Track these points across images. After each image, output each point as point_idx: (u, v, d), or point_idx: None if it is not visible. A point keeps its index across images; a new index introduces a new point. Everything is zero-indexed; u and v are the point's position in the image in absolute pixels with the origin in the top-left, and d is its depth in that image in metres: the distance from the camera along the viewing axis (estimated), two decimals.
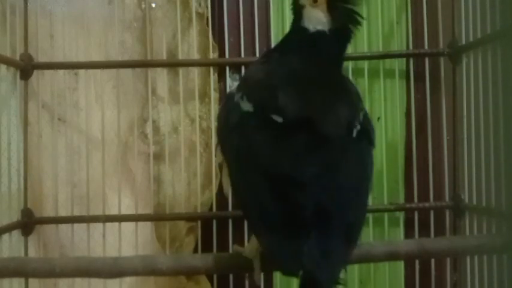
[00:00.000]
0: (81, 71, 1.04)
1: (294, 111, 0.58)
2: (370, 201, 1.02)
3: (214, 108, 1.03)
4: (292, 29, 0.72)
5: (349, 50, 1.04)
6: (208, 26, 1.05)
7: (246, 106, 0.61)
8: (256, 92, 0.63)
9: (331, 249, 0.53)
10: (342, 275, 0.55)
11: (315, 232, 0.53)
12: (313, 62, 0.67)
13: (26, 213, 0.98)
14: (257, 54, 1.04)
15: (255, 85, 0.65)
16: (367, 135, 0.63)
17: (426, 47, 1.03)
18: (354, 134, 0.60)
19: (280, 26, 1.07)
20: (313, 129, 0.58)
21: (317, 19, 0.68)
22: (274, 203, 0.55)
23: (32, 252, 0.99)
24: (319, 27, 0.68)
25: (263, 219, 0.56)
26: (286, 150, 0.57)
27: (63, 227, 1.00)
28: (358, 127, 0.61)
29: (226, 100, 0.68)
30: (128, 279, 0.97)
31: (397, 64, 1.05)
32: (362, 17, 0.69)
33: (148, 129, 1.04)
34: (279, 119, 0.58)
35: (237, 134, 0.61)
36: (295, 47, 0.69)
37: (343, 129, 0.60)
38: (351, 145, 0.59)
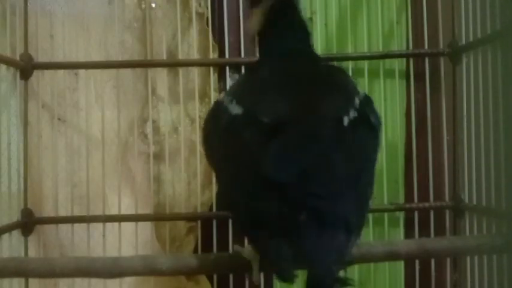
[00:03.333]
0: (81, 71, 1.04)
1: (280, 110, 0.59)
2: (370, 202, 1.01)
3: None
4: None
5: (349, 50, 1.05)
6: (208, 26, 1.05)
7: (235, 109, 0.62)
8: (244, 95, 0.64)
9: (330, 246, 0.52)
10: (343, 274, 0.55)
11: (311, 230, 0.53)
12: (296, 59, 0.69)
13: (26, 213, 0.98)
14: (257, 54, 1.03)
15: (242, 90, 0.66)
16: (365, 120, 0.61)
17: (426, 47, 1.03)
18: (346, 123, 0.59)
19: None
20: (300, 126, 0.58)
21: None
22: (263, 204, 0.55)
23: (32, 252, 0.99)
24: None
25: (254, 222, 0.56)
26: (272, 149, 0.56)
27: (63, 227, 1.00)
28: (353, 114, 0.60)
29: (213, 107, 0.69)
30: (127, 279, 0.97)
31: (397, 64, 1.05)
32: None
33: (148, 129, 1.04)
34: (266, 119, 0.58)
35: (226, 136, 0.61)
36: (278, 51, 0.70)
37: (332, 121, 0.59)
38: (342, 135, 0.58)
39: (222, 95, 0.69)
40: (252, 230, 0.57)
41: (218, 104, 0.67)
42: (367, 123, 0.62)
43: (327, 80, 0.66)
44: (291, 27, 0.71)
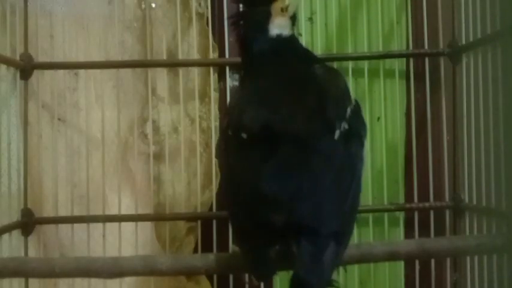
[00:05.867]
0: (81, 71, 1.04)
1: (259, 126, 0.60)
2: (370, 201, 1.02)
3: (214, 108, 1.03)
4: (257, 38, 0.72)
5: (349, 50, 1.05)
6: (208, 26, 1.04)
7: (229, 130, 0.65)
8: (232, 115, 0.66)
9: (320, 256, 0.54)
10: (335, 276, 0.56)
11: (296, 240, 0.54)
12: (288, 67, 0.70)
13: (26, 213, 0.98)
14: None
15: (232, 110, 0.68)
16: (355, 132, 0.62)
17: (426, 47, 1.03)
18: (336, 136, 0.60)
19: None
20: (280, 140, 0.59)
21: (284, 26, 0.72)
22: (247, 217, 0.58)
23: (32, 252, 0.99)
24: (285, 32, 0.72)
25: (240, 231, 0.60)
26: (252, 165, 0.59)
27: (63, 227, 1.00)
28: (344, 126, 0.61)
29: (221, 129, 0.75)
30: (127, 279, 0.97)
31: (397, 64, 1.05)
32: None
33: (148, 129, 1.04)
34: (245, 136, 0.61)
35: (225, 157, 0.66)
36: (267, 56, 0.70)
37: (323, 135, 0.60)
38: (332, 149, 0.59)
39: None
40: (241, 238, 0.61)
41: (223, 125, 0.70)
42: (357, 136, 0.63)
43: (320, 87, 0.66)
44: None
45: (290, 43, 0.72)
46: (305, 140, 0.59)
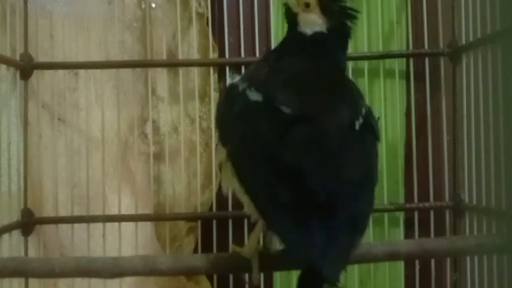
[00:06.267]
0: (81, 71, 1.04)
1: (301, 104, 0.60)
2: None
3: (214, 108, 1.03)
4: (290, 35, 0.73)
5: (349, 50, 1.04)
6: (208, 26, 1.04)
7: (254, 96, 0.62)
8: (264, 84, 0.64)
9: (337, 240, 0.53)
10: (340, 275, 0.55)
11: (322, 222, 0.54)
12: (315, 63, 0.69)
13: (26, 213, 0.98)
14: (257, 54, 1.04)
15: (262, 78, 0.66)
16: (370, 129, 0.64)
17: (426, 47, 1.03)
18: (357, 127, 0.61)
19: (280, 26, 1.07)
20: (318, 122, 0.59)
21: (313, 22, 0.70)
22: (282, 189, 0.56)
23: (32, 252, 0.99)
24: (317, 29, 0.70)
25: (272, 204, 0.57)
26: (294, 139, 0.58)
27: (63, 227, 1.00)
28: (361, 121, 0.62)
29: (229, 90, 0.69)
30: (127, 279, 0.97)
31: (397, 64, 1.05)
32: (357, 11, 0.71)
33: (148, 129, 1.04)
34: (287, 110, 0.59)
35: (244, 121, 0.62)
36: (296, 49, 0.70)
37: (345, 124, 0.61)
38: (354, 138, 0.60)
39: (237, 79, 0.70)
40: (268, 210, 0.58)
41: (233, 87, 0.67)
42: (372, 132, 0.64)
43: (341, 86, 0.68)
44: None
45: (318, 41, 0.70)
46: (339, 129, 0.59)
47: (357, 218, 0.56)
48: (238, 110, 0.63)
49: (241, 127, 0.62)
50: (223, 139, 0.65)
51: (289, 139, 0.58)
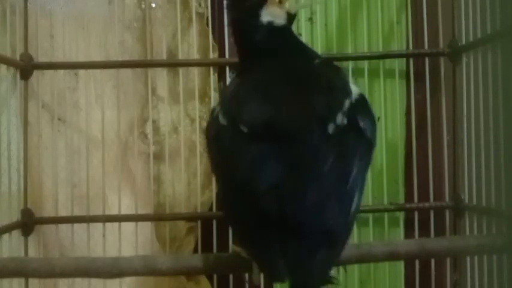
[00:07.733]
0: (81, 71, 1.04)
1: (259, 119, 0.59)
2: (370, 201, 1.02)
3: None
4: (253, 33, 0.71)
5: (349, 50, 1.05)
6: (208, 26, 1.05)
7: (222, 120, 0.64)
8: (229, 106, 0.65)
9: (310, 254, 0.53)
10: (334, 273, 0.55)
11: (281, 243, 0.53)
12: (287, 60, 0.69)
13: (26, 213, 0.98)
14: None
15: (228, 100, 0.67)
16: (353, 125, 0.60)
17: (426, 47, 1.03)
18: (331, 130, 0.58)
19: None
20: (279, 134, 0.58)
21: (278, 15, 0.70)
22: (244, 211, 0.57)
23: (32, 252, 0.99)
24: (281, 22, 0.70)
25: (238, 227, 0.60)
26: (248, 159, 0.57)
27: (63, 227, 1.00)
28: (340, 119, 0.59)
29: (210, 115, 0.71)
30: (127, 279, 0.97)
31: (397, 64, 1.05)
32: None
33: (148, 129, 1.04)
34: (245, 129, 0.59)
35: (215, 146, 0.64)
36: (265, 50, 0.69)
37: (313, 130, 0.58)
38: (324, 143, 0.58)
39: (217, 101, 0.72)
40: (241, 234, 0.60)
41: (212, 111, 0.69)
42: (355, 129, 0.61)
43: (317, 82, 0.65)
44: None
45: (285, 33, 0.71)
46: (303, 136, 0.58)
47: (330, 231, 0.54)
48: (213, 134, 0.65)
49: (213, 151, 0.65)
50: (209, 161, 0.69)
51: (245, 159, 0.58)
